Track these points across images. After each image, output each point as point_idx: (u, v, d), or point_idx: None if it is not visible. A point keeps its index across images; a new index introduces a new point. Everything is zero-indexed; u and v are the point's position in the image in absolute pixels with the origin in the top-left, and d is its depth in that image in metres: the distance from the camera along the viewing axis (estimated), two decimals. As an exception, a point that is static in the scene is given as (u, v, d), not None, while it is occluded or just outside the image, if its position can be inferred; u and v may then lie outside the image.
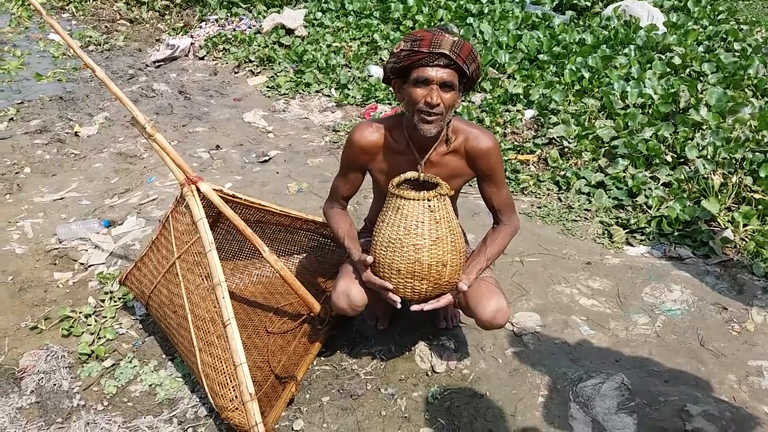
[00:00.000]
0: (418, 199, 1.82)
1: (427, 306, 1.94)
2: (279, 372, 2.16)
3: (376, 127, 2.01)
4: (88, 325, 2.46)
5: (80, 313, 2.51)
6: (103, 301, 2.60)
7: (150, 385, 2.17)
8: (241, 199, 2.34)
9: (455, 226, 1.90)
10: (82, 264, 2.88)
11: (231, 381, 1.87)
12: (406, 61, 1.80)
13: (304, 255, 2.72)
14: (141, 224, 3.18)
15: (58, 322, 2.47)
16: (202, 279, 2.02)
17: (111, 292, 2.65)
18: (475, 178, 2.06)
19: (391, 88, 5.06)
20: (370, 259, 1.90)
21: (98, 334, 2.40)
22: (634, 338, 2.40)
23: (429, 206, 1.82)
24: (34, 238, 3.10)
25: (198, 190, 2.15)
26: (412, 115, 1.85)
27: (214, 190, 2.19)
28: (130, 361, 2.27)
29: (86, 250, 2.97)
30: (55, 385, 2.17)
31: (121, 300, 2.60)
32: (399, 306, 1.93)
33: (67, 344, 2.35)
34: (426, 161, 1.97)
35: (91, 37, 6.98)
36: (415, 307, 1.94)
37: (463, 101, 4.74)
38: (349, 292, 1.97)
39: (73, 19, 7.79)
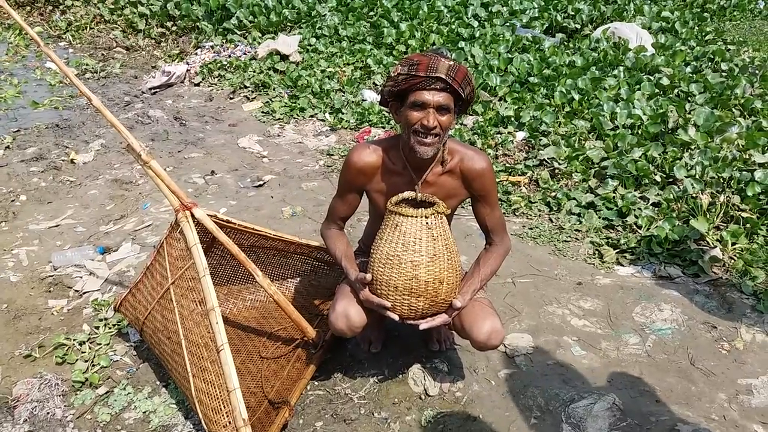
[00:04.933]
0: (416, 216, 1.86)
1: (423, 324, 1.96)
2: (272, 397, 2.16)
3: (374, 148, 2.05)
4: (83, 352, 2.46)
5: (74, 340, 2.51)
6: (97, 328, 2.61)
7: (144, 412, 2.17)
8: (235, 224, 2.36)
9: (452, 244, 1.93)
10: (76, 291, 2.89)
11: (224, 406, 1.88)
12: (404, 85, 1.85)
13: (298, 279, 2.74)
14: (136, 251, 3.20)
15: (52, 349, 2.47)
16: (196, 304, 2.04)
17: (105, 319, 2.66)
18: (469, 199, 2.11)
19: (386, 110, 5.15)
20: (368, 277, 1.93)
21: (92, 362, 2.41)
22: (625, 358, 2.42)
23: (427, 223, 1.86)
24: (29, 265, 3.11)
25: (192, 215, 2.17)
26: (409, 137, 1.90)
27: (208, 215, 2.22)
28: (124, 388, 2.27)
29: (81, 277, 2.98)
30: (48, 413, 2.17)
31: (116, 327, 2.61)
32: (397, 319, 1.95)
33: (60, 372, 2.35)
34: (422, 181, 2.02)
35: (87, 64, 7.06)
36: (410, 321, 1.97)
37: (456, 124, 4.81)
38: (347, 313, 1.99)
39: (70, 48, 7.88)
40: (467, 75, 1.86)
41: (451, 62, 1.83)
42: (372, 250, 1.97)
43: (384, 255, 1.90)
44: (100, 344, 2.51)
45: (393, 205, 1.92)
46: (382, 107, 5.24)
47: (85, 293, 2.88)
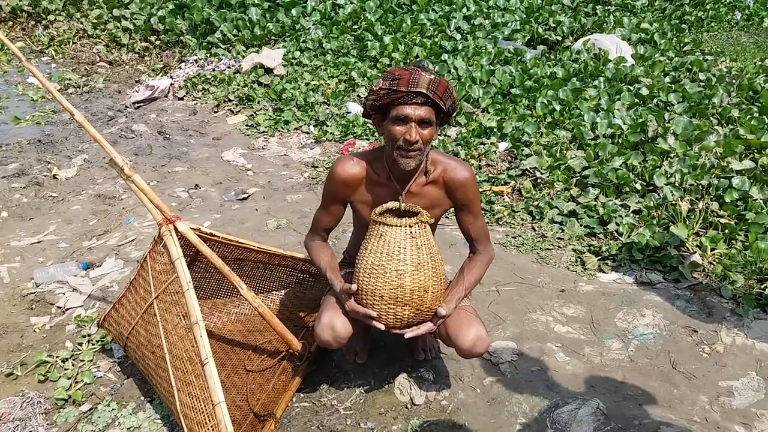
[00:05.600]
0: (400, 226, 1.88)
1: (409, 333, 1.97)
2: (258, 410, 2.16)
3: (357, 160, 2.08)
4: (65, 369, 2.44)
5: (57, 357, 2.49)
6: (80, 344, 2.59)
7: (128, 429, 2.15)
8: (218, 237, 2.37)
9: (436, 253, 1.95)
10: (59, 308, 2.87)
11: (210, 420, 1.87)
12: (386, 99, 1.88)
13: (283, 291, 2.74)
14: (119, 266, 3.18)
15: (34, 367, 2.45)
16: (180, 318, 2.04)
17: (89, 335, 2.63)
18: (453, 209, 2.13)
19: (369, 122, 5.18)
20: (354, 287, 1.95)
21: (75, 379, 2.39)
22: (608, 363, 2.45)
23: (411, 232, 1.88)
24: (10, 282, 3.08)
25: (176, 229, 2.18)
26: (392, 150, 1.92)
27: (191, 228, 2.22)
28: (108, 405, 2.25)
29: (64, 294, 2.96)
30: None
31: (99, 343, 2.59)
32: (383, 328, 1.96)
33: (43, 390, 2.33)
34: (406, 192, 2.04)
35: (70, 79, 7.03)
36: (395, 330, 1.98)
37: (439, 135, 4.85)
38: (333, 324, 2.00)
39: (52, 62, 7.84)
40: (448, 88, 1.89)
41: (432, 76, 1.86)
42: (357, 261, 1.98)
43: (369, 265, 1.91)
44: (84, 361, 2.48)
45: (377, 215, 1.94)
46: (366, 121, 5.28)
47: (67, 309, 2.85)
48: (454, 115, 2.06)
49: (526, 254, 3.33)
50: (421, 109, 1.87)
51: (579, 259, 3.25)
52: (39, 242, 3.50)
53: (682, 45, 7.29)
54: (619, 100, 5.04)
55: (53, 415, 2.21)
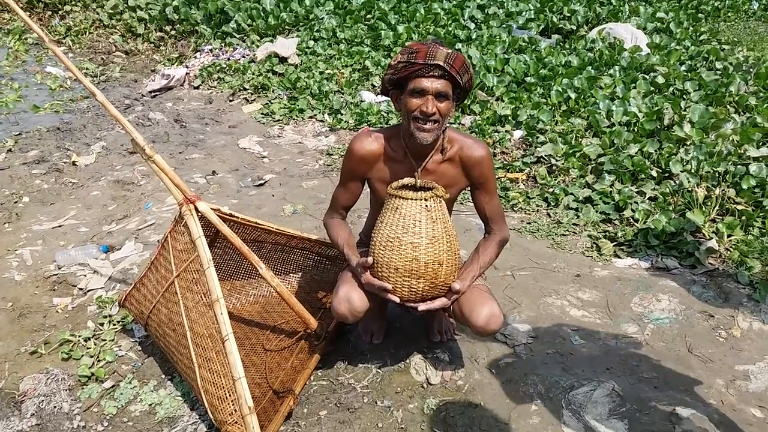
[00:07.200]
0: (415, 199, 1.91)
1: (422, 306, 2.00)
2: (277, 387, 2.19)
3: (375, 137, 2.10)
4: (88, 348, 2.49)
5: (79, 336, 2.54)
6: (102, 324, 2.64)
7: (150, 405, 2.20)
8: (237, 217, 2.40)
9: (450, 228, 1.98)
10: (81, 289, 2.92)
11: (230, 395, 1.91)
12: (403, 73, 1.91)
13: (300, 274, 2.77)
14: (139, 249, 3.23)
15: (57, 346, 2.50)
16: (201, 296, 2.07)
17: (110, 316, 2.68)
18: (469, 189, 2.15)
19: (383, 111, 5.19)
20: (370, 260, 1.97)
21: (98, 357, 2.43)
22: (623, 347, 2.45)
23: (426, 206, 1.91)
24: (33, 265, 3.14)
25: (196, 209, 2.22)
26: (409, 123, 1.95)
27: (211, 209, 2.26)
28: (130, 382, 2.30)
29: (85, 275, 3.01)
30: (55, 407, 2.19)
31: (120, 323, 2.63)
32: (398, 301, 1.98)
33: (66, 367, 2.38)
34: (422, 169, 2.06)
35: (87, 69, 7.09)
36: (409, 303, 2.00)
37: (453, 123, 4.85)
38: (350, 297, 2.03)
39: (69, 53, 7.90)
40: (465, 63, 1.92)
41: (450, 50, 1.88)
42: (372, 234, 2.01)
43: (384, 237, 1.94)
44: (105, 340, 2.53)
45: (393, 189, 1.97)
46: (380, 109, 5.29)
47: (89, 291, 2.90)
48: (471, 91, 2.09)
49: (541, 240, 3.34)
50: (438, 82, 1.89)
51: (594, 245, 3.26)
52: (60, 226, 3.56)
53: (698, 34, 7.22)
54: (634, 88, 5.02)
55: (77, 391, 2.26)
